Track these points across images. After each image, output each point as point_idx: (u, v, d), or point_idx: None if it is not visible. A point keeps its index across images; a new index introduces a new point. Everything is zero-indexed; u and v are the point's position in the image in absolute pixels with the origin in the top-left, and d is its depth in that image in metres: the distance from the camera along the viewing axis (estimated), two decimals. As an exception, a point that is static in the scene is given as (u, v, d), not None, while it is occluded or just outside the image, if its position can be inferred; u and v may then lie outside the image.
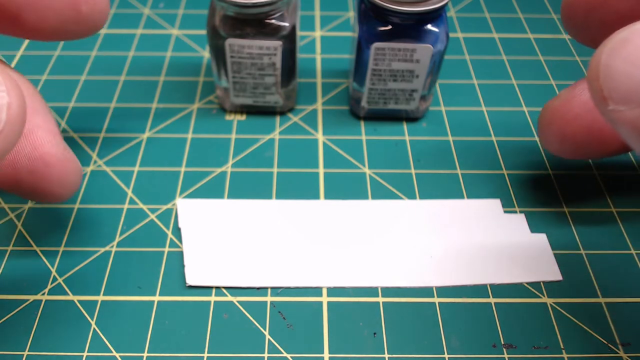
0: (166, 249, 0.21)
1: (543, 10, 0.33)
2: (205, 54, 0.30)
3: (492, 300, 0.20)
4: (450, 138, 0.26)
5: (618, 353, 0.19)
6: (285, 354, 0.18)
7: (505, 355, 0.19)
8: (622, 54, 0.13)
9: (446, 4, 0.21)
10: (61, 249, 0.21)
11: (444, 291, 0.20)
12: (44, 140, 0.18)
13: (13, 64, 0.28)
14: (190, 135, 0.25)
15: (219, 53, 0.23)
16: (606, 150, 0.20)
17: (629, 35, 0.13)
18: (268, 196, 0.23)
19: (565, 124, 0.20)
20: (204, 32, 0.31)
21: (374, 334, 0.19)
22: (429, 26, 0.22)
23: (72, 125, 0.26)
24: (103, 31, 0.31)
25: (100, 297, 0.20)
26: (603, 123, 0.19)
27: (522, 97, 0.28)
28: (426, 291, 0.20)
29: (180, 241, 0.21)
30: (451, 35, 0.31)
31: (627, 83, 0.13)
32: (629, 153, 0.25)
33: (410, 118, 0.26)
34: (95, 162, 0.24)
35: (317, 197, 0.23)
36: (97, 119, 0.26)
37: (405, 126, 0.26)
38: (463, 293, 0.20)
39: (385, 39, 0.22)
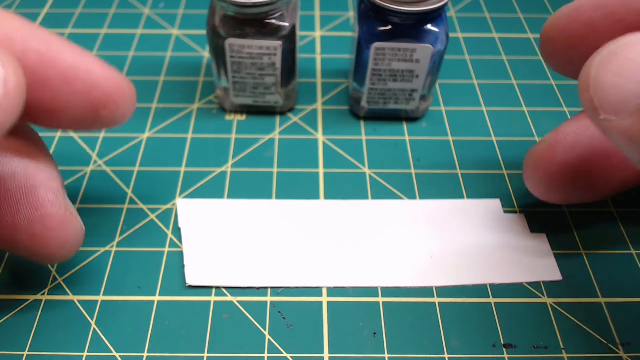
0: (166, 249, 0.21)
1: (543, 10, 0.33)
2: (205, 54, 0.30)
3: (492, 300, 0.20)
4: (450, 138, 0.26)
5: (618, 353, 0.19)
6: (285, 354, 0.18)
7: (505, 355, 0.19)
8: (610, 66, 0.13)
9: (446, 4, 0.21)
10: (61, 249, 0.21)
11: (444, 291, 0.20)
12: (45, 201, 0.16)
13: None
14: (190, 135, 0.25)
15: (219, 53, 0.23)
16: (596, 193, 0.19)
17: (616, 48, 0.14)
18: (268, 196, 0.23)
19: (551, 171, 0.19)
20: (204, 32, 0.31)
21: (374, 334, 0.19)
22: (429, 26, 0.22)
23: None
24: (103, 31, 0.31)
25: (100, 297, 0.20)
26: (590, 166, 0.18)
27: (522, 97, 0.28)
28: (426, 291, 0.20)
29: (180, 241, 0.21)
30: (451, 35, 0.31)
31: (615, 94, 0.13)
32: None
33: (410, 118, 0.26)
34: (95, 162, 0.24)
35: (317, 197, 0.23)
36: (97, 119, 0.26)
37: (405, 126, 0.26)
38: (463, 293, 0.20)
39: (385, 39, 0.22)
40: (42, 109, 0.15)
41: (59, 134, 0.25)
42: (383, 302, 0.20)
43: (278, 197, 0.23)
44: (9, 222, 0.16)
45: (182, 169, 0.24)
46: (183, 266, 0.21)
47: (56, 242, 0.17)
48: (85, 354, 0.18)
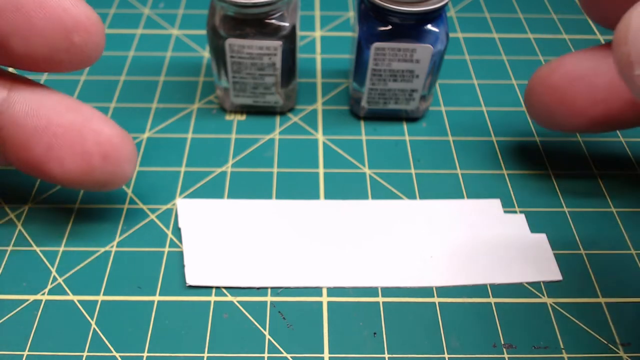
0: (166, 249, 0.21)
1: (543, 10, 0.33)
2: (205, 54, 0.30)
3: (492, 300, 0.20)
4: (450, 138, 0.26)
5: (618, 353, 0.19)
6: (285, 354, 0.18)
7: (505, 355, 0.19)
8: None
9: (446, 4, 0.21)
10: (61, 249, 0.21)
11: (444, 291, 0.20)
12: (103, 125, 0.19)
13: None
14: (190, 135, 0.25)
15: (219, 53, 0.23)
16: (575, 124, 0.21)
17: None
18: (268, 196, 0.23)
19: (543, 92, 0.21)
20: (204, 32, 0.31)
21: (374, 334, 0.19)
22: (429, 26, 0.22)
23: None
24: (103, 31, 0.31)
25: (100, 297, 0.20)
26: (575, 97, 0.20)
27: (522, 97, 0.28)
28: (426, 291, 0.20)
29: (180, 241, 0.21)
30: (451, 35, 0.31)
31: None
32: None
33: (410, 118, 0.26)
34: (95, 162, 0.24)
35: (317, 197, 0.23)
36: (97, 119, 0.26)
37: (405, 126, 0.26)
38: (463, 293, 0.20)
39: (385, 39, 0.22)
40: (18, 36, 0.17)
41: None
42: (383, 302, 0.20)
43: (278, 197, 0.23)
44: (80, 152, 0.18)
45: (182, 169, 0.24)
46: (183, 266, 0.21)
47: (126, 157, 0.19)
48: (85, 354, 0.18)
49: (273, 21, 0.22)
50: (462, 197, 0.23)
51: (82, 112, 0.19)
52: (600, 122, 0.20)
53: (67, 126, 0.18)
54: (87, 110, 0.19)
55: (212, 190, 0.23)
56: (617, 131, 0.26)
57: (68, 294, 0.20)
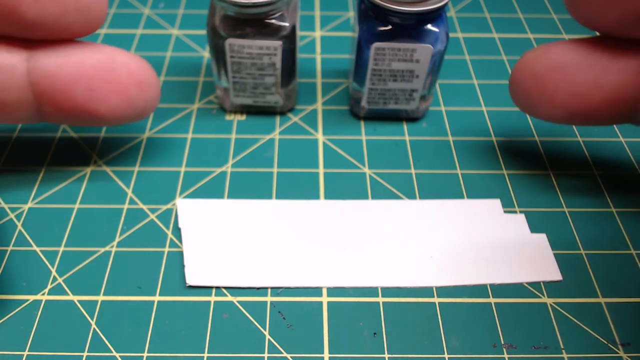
0: (166, 249, 0.21)
1: (543, 10, 0.33)
2: (205, 54, 0.30)
3: (492, 300, 0.20)
4: (450, 138, 0.26)
5: (618, 353, 0.19)
6: (285, 354, 0.18)
7: (505, 355, 0.19)
8: None
9: (446, 4, 0.21)
10: (61, 249, 0.21)
11: (444, 291, 0.20)
12: (127, 57, 0.20)
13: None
14: (190, 135, 0.25)
15: (219, 53, 0.23)
16: (554, 115, 0.21)
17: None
18: (268, 196, 0.23)
19: (525, 79, 0.20)
20: (204, 32, 0.31)
21: (374, 334, 0.19)
22: (429, 26, 0.22)
23: (72, 125, 0.26)
24: (103, 31, 0.31)
25: (100, 297, 0.20)
26: (556, 88, 0.20)
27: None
28: (426, 291, 0.20)
29: (180, 241, 0.21)
30: (451, 35, 0.31)
31: None
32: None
33: (410, 118, 0.26)
34: (95, 162, 0.24)
35: (317, 197, 0.23)
36: (97, 119, 0.26)
37: (405, 126, 0.26)
38: (463, 293, 0.20)
39: (385, 39, 0.22)
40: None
41: (58, 134, 0.25)
42: (383, 302, 0.20)
43: (278, 197, 0.23)
44: (118, 86, 0.20)
45: (182, 169, 0.24)
46: (183, 266, 0.21)
47: (155, 82, 0.21)
48: (85, 354, 0.18)
49: (273, 21, 0.22)
50: (462, 197, 0.23)
51: (104, 51, 0.20)
52: (578, 115, 0.20)
53: (99, 67, 0.19)
54: (107, 48, 0.20)
55: (212, 190, 0.23)
56: (617, 131, 0.26)
57: (68, 294, 0.20)
